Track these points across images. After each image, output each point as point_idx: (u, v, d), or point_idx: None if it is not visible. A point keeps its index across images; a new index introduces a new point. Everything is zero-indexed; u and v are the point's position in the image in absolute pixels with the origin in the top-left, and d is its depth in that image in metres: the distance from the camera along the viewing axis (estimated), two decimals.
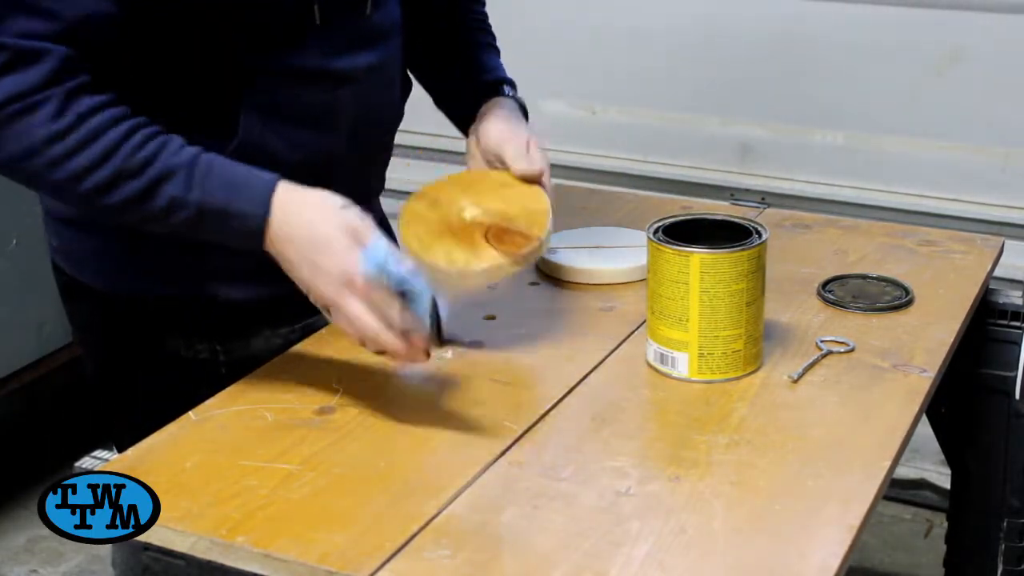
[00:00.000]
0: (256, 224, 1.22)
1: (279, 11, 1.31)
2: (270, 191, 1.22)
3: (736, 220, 1.35)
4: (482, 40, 1.62)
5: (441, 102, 1.62)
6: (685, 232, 1.32)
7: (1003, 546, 1.74)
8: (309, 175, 1.30)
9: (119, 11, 1.21)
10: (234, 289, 1.42)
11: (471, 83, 1.56)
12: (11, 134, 1.17)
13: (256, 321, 1.44)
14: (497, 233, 1.35)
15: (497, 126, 1.47)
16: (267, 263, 1.41)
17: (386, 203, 1.69)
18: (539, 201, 1.42)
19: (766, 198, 2.45)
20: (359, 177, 1.49)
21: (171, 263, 1.40)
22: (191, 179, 1.21)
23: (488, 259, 1.33)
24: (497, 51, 1.64)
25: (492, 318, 1.46)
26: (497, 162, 1.46)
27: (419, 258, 1.33)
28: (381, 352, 1.22)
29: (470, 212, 1.39)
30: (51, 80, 1.17)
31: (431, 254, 1.34)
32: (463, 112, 1.55)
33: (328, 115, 1.38)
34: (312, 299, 1.24)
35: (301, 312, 1.46)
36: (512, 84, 1.57)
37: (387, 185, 1.60)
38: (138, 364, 1.46)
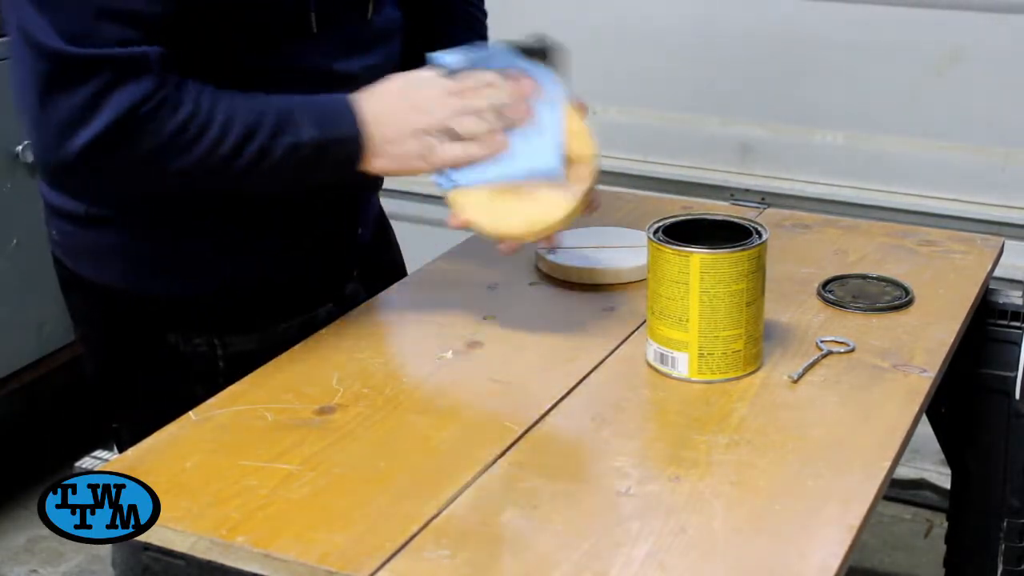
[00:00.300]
0: (356, 144, 1.30)
1: (276, 19, 1.32)
2: (353, 107, 1.30)
3: (736, 220, 1.35)
4: (472, 38, 1.62)
5: None
6: (685, 232, 1.31)
7: (1003, 546, 1.74)
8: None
9: (167, 9, 1.24)
10: (232, 284, 1.43)
11: None
12: (142, 136, 1.21)
13: (254, 315, 1.45)
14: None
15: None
16: (266, 256, 1.42)
17: (386, 203, 1.69)
18: (571, 118, 1.37)
19: (766, 198, 2.45)
20: (361, 175, 1.49)
21: (169, 259, 1.40)
22: (297, 123, 1.28)
23: (562, 203, 1.33)
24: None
25: (492, 318, 1.46)
26: None
27: (495, 232, 1.34)
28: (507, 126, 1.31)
29: None
30: (162, 80, 1.22)
31: (506, 224, 1.34)
32: None
33: None
34: (428, 151, 1.31)
35: (299, 307, 1.47)
36: None
37: (385, 184, 1.60)
38: (137, 358, 1.46)
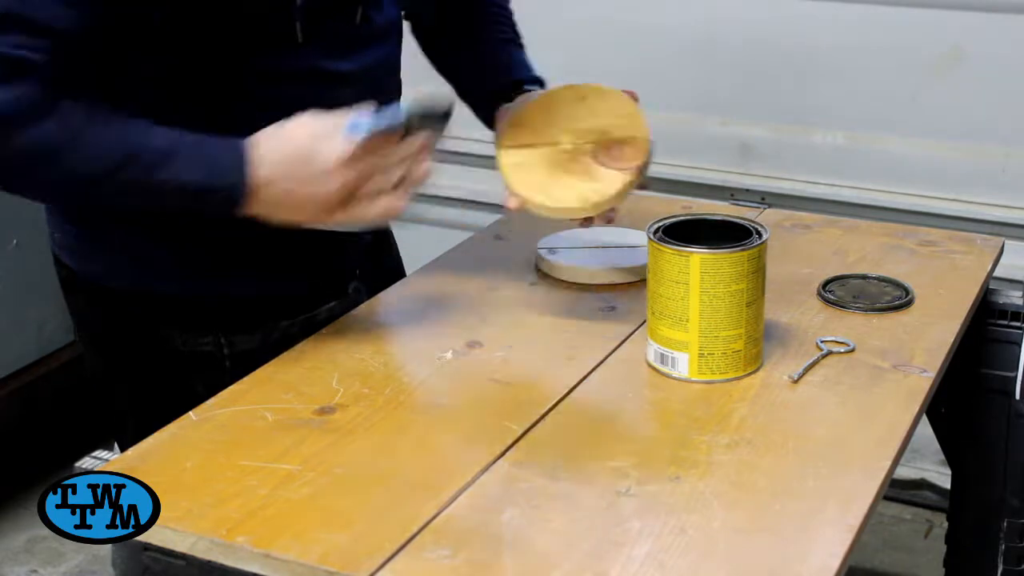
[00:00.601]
0: (237, 193, 1.25)
1: (259, 31, 1.31)
2: (241, 156, 1.25)
3: (736, 220, 1.35)
4: (503, 37, 1.62)
5: (469, 101, 1.59)
6: (685, 232, 1.32)
7: (1003, 546, 1.74)
8: None
9: (100, 22, 1.22)
10: (235, 284, 1.43)
11: (499, 83, 1.55)
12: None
13: (257, 314, 1.45)
14: (605, 148, 1.34)
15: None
16: (269, 256, 1.42)
17: None
18: (623, 101, 1.38)
19: (766, 198, 2.45)
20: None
21: (172, 259, 1.40)
22: (174, 163, 1.24)
23: (615, 181, 1.35)
24: (521, 47, 1.64)
25: (492, 318, 1.46)
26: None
27: (548, 208, 1.35)
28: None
29: (567, 140, 1.38)
30: (33, 91, 1.20)
31: (560, 200, 1.35)
32: (491, 109, 1.54)
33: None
34: (325, 220, 1.26)
35: (302, 306, 1.47)
36: (540, 83, 1.56)
37: None
38: (141, 358, 1.46)
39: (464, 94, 1.58)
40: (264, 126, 1.31)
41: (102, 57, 1.26)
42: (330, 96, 1.37)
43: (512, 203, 1.38)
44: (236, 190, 1.25)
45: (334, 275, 1.53)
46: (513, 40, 1.64)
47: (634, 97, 1.39)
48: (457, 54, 1.60)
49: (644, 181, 1.40)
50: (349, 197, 1.26)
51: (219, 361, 1.42)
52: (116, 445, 1.74)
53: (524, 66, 1.60)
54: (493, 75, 1.57)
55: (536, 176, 1.37)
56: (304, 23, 1.32)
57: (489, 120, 1.54)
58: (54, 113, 1.21)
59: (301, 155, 1.25)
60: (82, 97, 1.23)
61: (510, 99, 1.50)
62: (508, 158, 1.40)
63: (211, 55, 1.29)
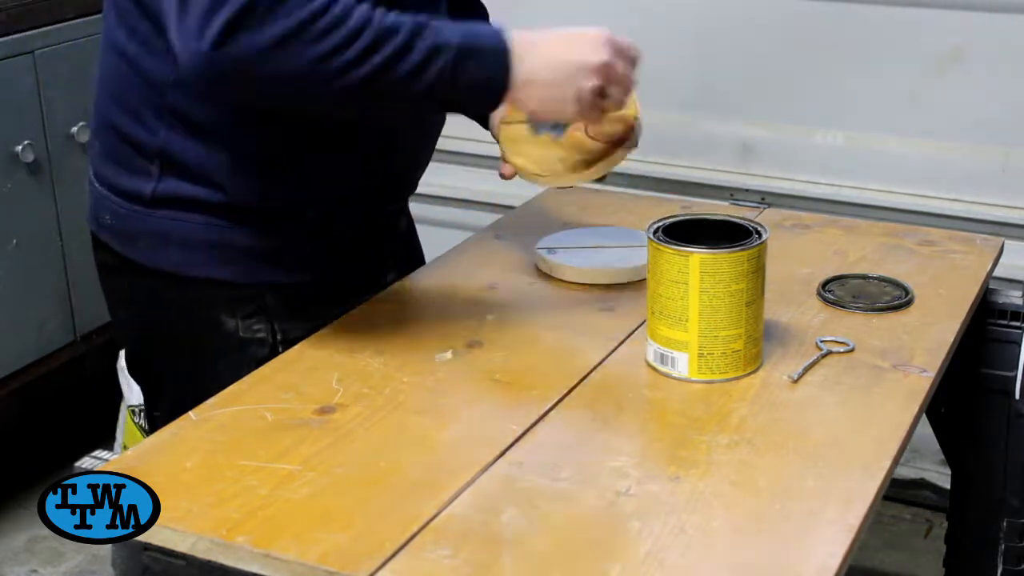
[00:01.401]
0: (502, 56, 1.29)
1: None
2: (499, 30, 1.32)
3: (736, 220, 1.35)
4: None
5: None
6: (685, 232, 1.32)
7: (1003, 546, 1.74)
8: (364, 169, 1.38)
9: None
10: (289, 272, 1.43)
11: None
12: (268, 23, 1.20)
13: (308, 303, 1.46)
14: (596, 124, 1.41)
15: None
16: (324, 246, 1.42)
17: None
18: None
19: (766, 198, 2.45)
20: (405, 174, 1.55)
21: (229, 247, 1.41)
22: (439, 29, 1.27)
23: (603, 154, 1.42)
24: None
25: (492, 318, 1.46)
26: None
27: (538, 176, 1.46)
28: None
29: None
30: None
31: (550, 169, 1.44)
32: None
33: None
34: (576, 99, 1.31)
35: (347, 295, 1.47)
36: None
37: None
38: (191, 343, 1.46)
39: None
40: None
41: None
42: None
43: (506, 170, 1.50)
44: (497, 53, 1.29)
45: (378, 264, 1.56)
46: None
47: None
48: None
49: (628, 153, 1.47)
50: (602, 88, 1.32)
51: (273, 348, 1.42)
52: (121, 436, 1.74)
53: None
54: None
55: (530, 147, 1.45)
56: None
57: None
58: None
59: (563, 33, 1.36)
60: None
61: None
62: (506, 131, 1.48)
63: None
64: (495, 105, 1.33)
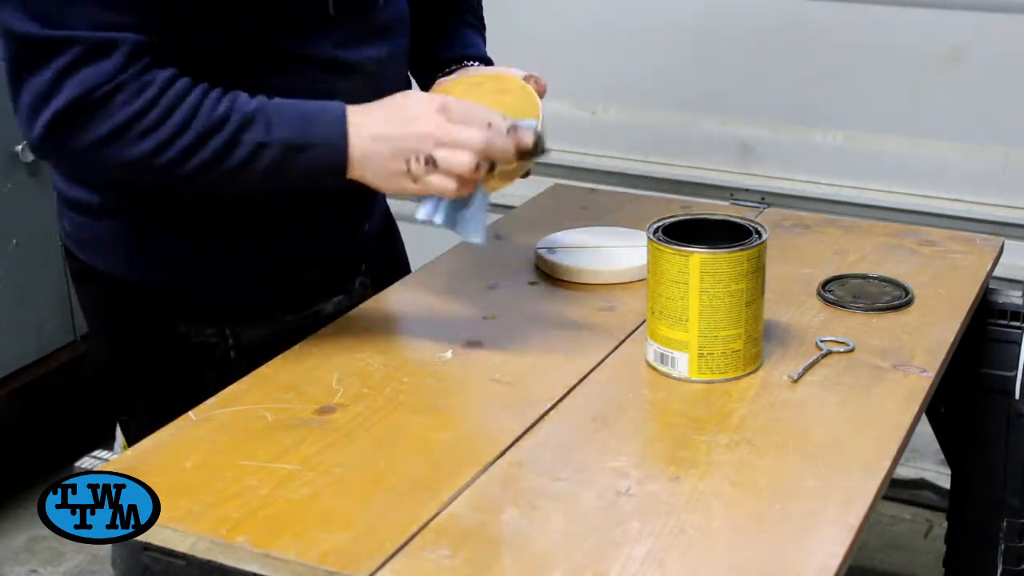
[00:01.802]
0: (338, 148, 1.26)
1: (297, 6, 1.32)
2: (343, 116, 1.26)
3: (736, 220, 1.35)
4: (467, 20, 1.63)
5: (414, 74, 1.61)
6: (685, 232, 1.32)
7: (1003, 546, 1.74)
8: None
9: None
10: (242, 275, 1.43)
11: (447, 53, 1.56)
12: (93, 122, 1.21)
13: (264, 307, 1.45)
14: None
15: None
16: (275, 252, 1.42)
17: (392, 203, 1.69)
18: (535, 108, 1.39)
19: (766, 198, 2.45)
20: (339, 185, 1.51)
21: (179, 250, 1.41)
22: (269, 122, 1.25)
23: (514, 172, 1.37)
24: (482, 36, 1.65)
25: (492, 318, 1.46)
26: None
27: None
28: (491, 169, 1.27)
29: None
30: (125, 66, 1.22)
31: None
32: (432, 78, 1.55)
33: None
34: (411, 170, 1.26)
35: (309, 299, 1.47)
36: (486, 60, 1.57)
37: None
38: (147, 348, 1.46)
39: (417, 62, 1.59)
40: None
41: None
42: (338, 88, 1.37)
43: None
44: (328, 145, 1.26)
45: (340, 269, 1.54)
46: (470, 23, 1.64)
47: (539, 91, 1.42)
48: (417, 27, 1.59)
49: (530, 167, 1.41)
50: (434, 159, 1.25)
51: (225, 352, 1.42)
52: (121, 436, 1.74)
53: (473, 45, 1.61)
54: (442, 48, 1.58)
55: None
56: (335, 1, 1.33)
57: (426, 89, 1.55)
58: (152, 84, 1.23)
59: (395, 107, 1.28)
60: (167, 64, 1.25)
61: (447, 72, 1.53)
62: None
63: (247, 32, 1.30)
64: (339, 184, 1.29)
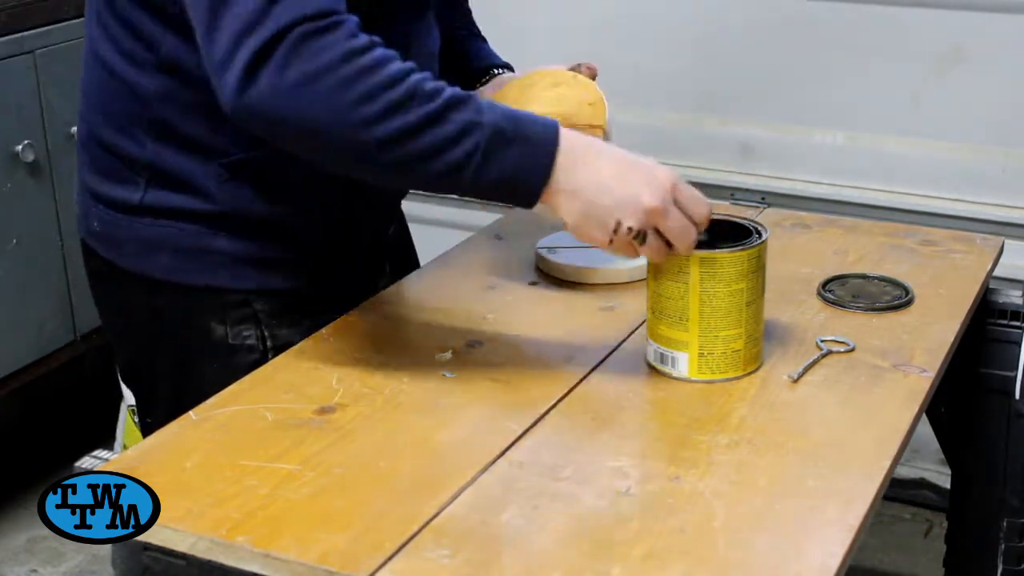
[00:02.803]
0: (547, 152, 1.19)
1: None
2: (555, 125, 1.21)
3: (736, 220, 1.35)
4: (474, 32, 1.65)
5: None
6: None
7: (1003, 546, 1.74)
8: (344, 183, 1.32)
9: None
10: (276, 279, 1.43)
11: (466, 70, 1.57)
12: (308, 51, 1.14)
13: (299, 309, 1.45)
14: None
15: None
16: (312, 253, 1.42)
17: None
18: (592, 92, 1.44)
19: (766, 198, 2.45)
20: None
21: (218, 253, 1.40)
22: (480, 107, 1.18)
23: None
24: (485, 41, 1.67)
25: (492, 318, 1.46)
26: None
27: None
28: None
29: None
30: (340, 6, 1.16)
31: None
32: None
33: None
34: (617, 233, 1.21)
35: (340, 302, 1.47)
36: (508, 67, 1.58)
37: None
38: (180, 351, 1.46)
39: None
40: None
41: None
42: None
43: None
44: (541, 149, 1.20)
45: (371, 269, 1.55)
46: (477, 35, 1.66)
47: (591, 76, 1.46)
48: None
49: None
50: (663, 208, 1.22)
51: (262, 354, 1.42)
52: (121, 436, 1.74)
53: (492, 55, 1.63)
54: (465, 63, 1.59)
55: None
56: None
57: None
58: (363, 36, 1.16)
59: (627, 159, 1.24)
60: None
61: (482, 83, 1.54)
62: None
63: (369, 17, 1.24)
64: (523, 205, 1.22)
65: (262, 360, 1.40)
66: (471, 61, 1.59)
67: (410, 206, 1.68)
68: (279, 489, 1.11)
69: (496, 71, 1.56)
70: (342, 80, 1.14)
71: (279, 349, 1.41)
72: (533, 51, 2.50)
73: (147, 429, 1.52)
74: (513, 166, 1.19)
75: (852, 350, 1.38)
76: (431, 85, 1.18)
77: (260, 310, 1.43)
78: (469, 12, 1.69)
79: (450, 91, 1.19)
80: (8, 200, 2.45)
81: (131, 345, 1.52)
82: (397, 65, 1.17)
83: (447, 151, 1.17)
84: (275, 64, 1.13)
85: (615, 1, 2.64)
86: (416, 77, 1.17)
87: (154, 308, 1.45)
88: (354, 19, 1.17)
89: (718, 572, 1.02)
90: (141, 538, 1.08)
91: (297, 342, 1.39)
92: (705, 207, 1.25)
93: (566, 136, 1.21)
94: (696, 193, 1.25)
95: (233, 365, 1.40)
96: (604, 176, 1.21)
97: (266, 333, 1.43)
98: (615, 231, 1.22)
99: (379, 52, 1.17)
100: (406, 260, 1.68)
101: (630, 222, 1.21)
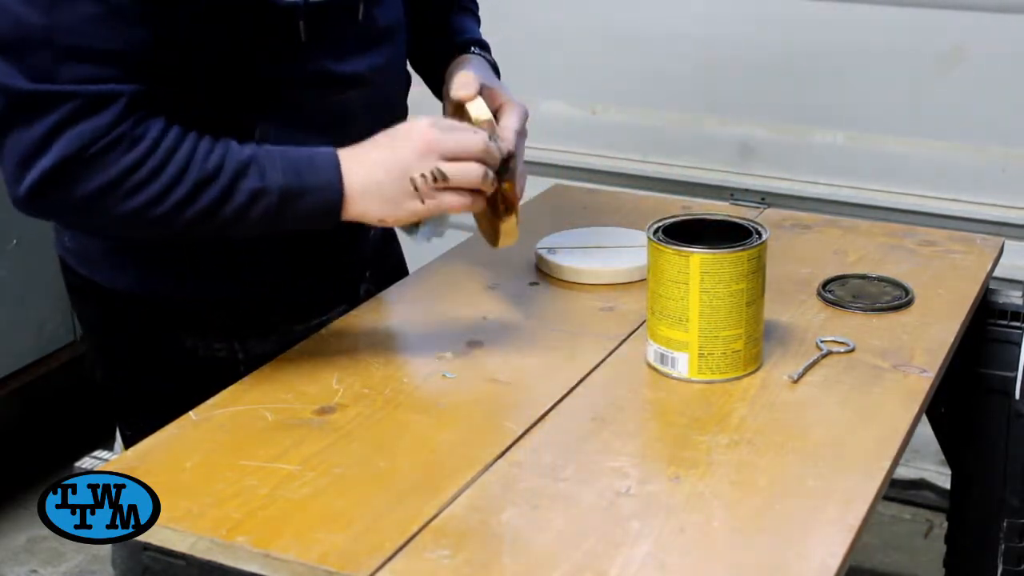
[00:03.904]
0: (333, 191, 1.25)
1: (264, 33, 1.30)
2: (335, 158, 1.26)
3: (736, 220, 1.35)
4: (462, 5, 1.62)
5: (415, 64, 1.60)
6: (685, 232, 1.31)
7: (1003, 546, 1.74)
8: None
9: (152, 35, 1.22)
10: (249, 288, 1.43)
11: (442, 44, 1.55)
12: (89, 174, 1.20)
13: (272, 318, 1.45)
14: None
15: (457, 72, 1.45)
16: (283, 259, 1.41)
17: None
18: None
19: (766, 198, 2.45)
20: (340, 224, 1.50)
21: (186, 264, 1.40)
22: (263, 168, 1.24)
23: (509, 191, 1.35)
24: (476, 17, 1.64)
25: (492, 318, 1.46)
26: (454, 110, 1.43)
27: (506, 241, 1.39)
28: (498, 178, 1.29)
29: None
30: (122, 118, 1.20)
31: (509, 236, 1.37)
32: (433, 72, 1.55)
33: (341, 119, 1.38)
34: (418, 188, 1.26)
35: (316, 309, 1.47)
36: (484, 46, 1.56)
37: None
38: (153, 363, 1.46)
39: (415, 57, 1.59)
40: (274, 135, 1.31)
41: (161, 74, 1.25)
42: (338, 100, 1.37)
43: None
44: (327, 187, 1.25)
45: (345, 277, 1.53)
46: (467, 10, 1.64)
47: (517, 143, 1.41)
48: (414, 24, 1.58)
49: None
50: (441, 174, 1.25)
51: (234, 366, 1.42)
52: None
53: (471, 30, 1.60)
54: (447, 39, 1.56)
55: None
56: (307, 21, 1.31)
57: (436, 84, 1.53)
58: (145, 136, 1.21)
59: (390, 136, 1.28)
60: (158, 111, 1.24)
61: (456, 61, 1.51)
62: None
63: (218, 64, 1.29)
64: (335, 225, 1.29)
65: (234, 371, 1.39)
66: (451, 36, 1.57)
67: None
68: (279, 489, 1.11)
69: (473, 49, 1.53)
70: (128, 191, 1.21)
71: (252, 360, 1.40)
72: (535, 52, 2.51)
73: (129, 442, 1.52)
74: (307, 214, 1.26)
75: (852, 350, 1.38)
76: (213, 161, 1.23)
77: (229, 321, 1.43)
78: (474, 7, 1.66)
79: (232, 163, 1.24)
80: (8, 200, 2.45)
81: (107, 359, 1.52)
82: (180, 156, 1.22)
83: (243, 218, 1.24)
84: (62, 183, 1.20)
85: (615, 2, 2.64)
86: (198, 160, 1.23)
87: (126, 321, 1.46)
88: (130, 118, 1.21)
89: (718, 572, 1.02)
90: (141, 538, 1.08)
91: (270, 352, 1.39)
92: (471, 133, 1.28)
93: (344, 157, 1.27)
94: (451, 121, 1.30)
95: (207, 377, 1.39)
96: (377, 159, 1.27)
97: (237, 345, 1.43)
98: (417, 190, 1.26)
99: (160, 153, 1.21)
100: (387, 262, 1.64)
101: (417, 171, 1.25)
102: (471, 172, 1.26)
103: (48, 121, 1.18)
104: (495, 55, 1.62)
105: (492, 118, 1.35)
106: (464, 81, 1.38)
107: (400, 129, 1.29)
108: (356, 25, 1.38)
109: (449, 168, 1.25)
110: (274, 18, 1.29)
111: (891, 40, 2.42)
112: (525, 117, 1.40)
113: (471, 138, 1.27)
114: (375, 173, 1.26)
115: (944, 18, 2.37)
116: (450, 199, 1.27)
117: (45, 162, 1.18)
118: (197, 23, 1.25)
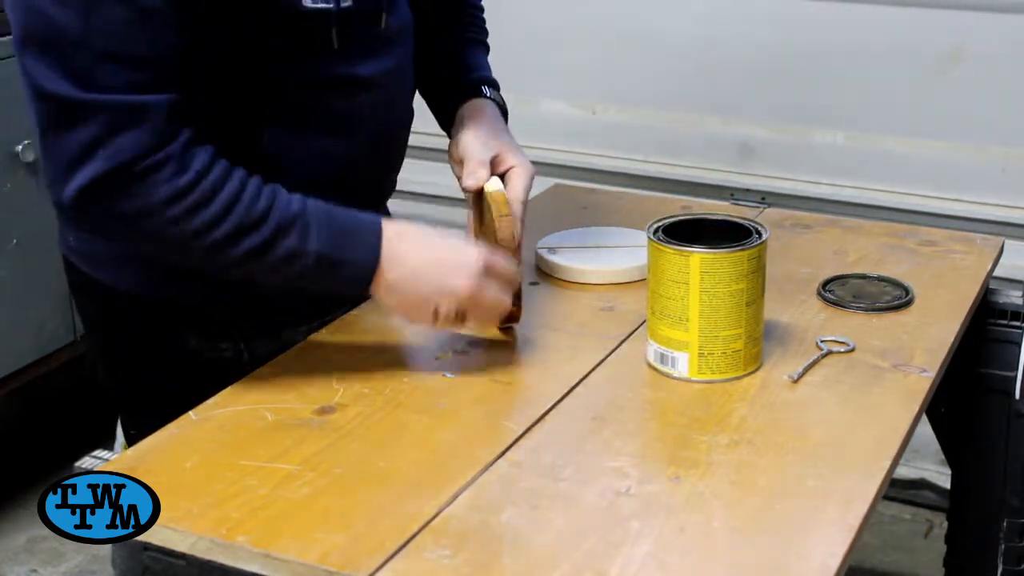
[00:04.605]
0: (367, 269, 1.27)
1: (299, 40, 1.31)
2: (378, 239, 1.27)
3: (736, 220, 1.35)
4: (471, 36, 1.62)
5: (424, 94, 1.61)
6: (685, 232, 1.32)
7: (1003, 546, 1.74)
8: (331, 183, 1.32)
9: (183, 40, 1.22)
10: (254, 288, 1.42)
11: (453, 81, 1.55)
12: (129, 195, 1.20)
13: (276, 319, 1.45)
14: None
15: (467, 137, 1.46)
16: None
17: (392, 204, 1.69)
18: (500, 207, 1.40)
19: (766, 198, 2.45)
20: (377, 181, 1.50)
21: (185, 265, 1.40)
22: (307, 230, 1.25)
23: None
24: (486, 48, 1.63)
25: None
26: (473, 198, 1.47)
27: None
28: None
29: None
30: (166, 135, 1.20)
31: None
32: (442, 108, 1.55)
33: (350, 122, 1.39)
34: (438, 317, 1.29)
35: (321, 308, 1.47)
36: (494, 85, 1.56)
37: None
38: (159, 364, 1.46)
39: (424, 89, 1.59)
40: (296, 135, 1.33)
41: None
42: (354, 102, 1.37)
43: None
44: (361, 265, 1.27)
45: None
46: (480, 41, 1.63)
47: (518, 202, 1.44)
48: (425, 50, 1.58)
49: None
50: (462, 312, 1.30)
51: (240, 367, 1.41)
52: (121, 436, 1.74)
53: (482, 67, 1.60)
54: (457, 75, 1.56)
55: None
56: (339, 29, 1.32)
57: (443, 117, 1.55)
58: (191, 163, 1.21)
59: (439, 250, 1.31)
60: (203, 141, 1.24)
61: (467, 99, 1.52)
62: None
63: (252, 64, 1.29)
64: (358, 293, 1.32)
65: (239, 372, 1.39)
66: (461, 72, 1.57)
67: (410, 206, 1.68)
68: (279, 489, 1.11)
69: (484, 89, 1.54)
70: (169, 220, 1.21)
71: (258, 360, 1.40)
72: (535, 52, 2.51)
73: (132, 441, 1.52)
74: (334, 281, 1.28)
75: (852, 350, 1.38)
76: (259, 209, 1.23)
77: (234, 322, 1.43)
78: (476, 10, 1.66)
79: (277, 215, 1.23)
80: (8, 200, 2.45)
81: (111, 359, 1.52)
82: (225, 194, 1.22)
83: (277, 270, 1.26)
84: (107, 195, 1.19)
85: (616, 2, 2.64)
86: (244, 204, 1.22)
87: (130, 321, 1.46)
88: (180, 145, 1.21)
89: (718, 572, 1.02)
90: (141, 538, 1.08)
91: (276, 353, 1.39)
92: (512, 270, 1.33)
93: (387, 246, 1.27)
94: (502, 262, 1.32)
95: (211, 378, 1.39)
96: (420, 271, 1.29)
97: (242, 345, 1.43)
98: (436, 317, 1.30)
99: (206, 185, 1.21)
100: None
101: (445, 307, 1.29)
102: (490, 319, 1.35)
103: (91, 130, 1.17)
104: (495, 55, 1.62)
105: (518, 237, 1.38)
106: (471, 170, 1.42)
107: (457, 252, 1.30)
108: (377, 31, 1.39)
109: (473, 314, 1.31)
110: (311, 28, 1.30)
111: (891, 40, 2.42)
112: (532, 181, 1.44)
113: (504, 302, 1.32)
114: (409, 279, 1.28)
115: (944, 18, 2.37)
116: (458, 330, 1.35)
117: (91, 171, 1.18)
118: (227, 29, 1.25)
